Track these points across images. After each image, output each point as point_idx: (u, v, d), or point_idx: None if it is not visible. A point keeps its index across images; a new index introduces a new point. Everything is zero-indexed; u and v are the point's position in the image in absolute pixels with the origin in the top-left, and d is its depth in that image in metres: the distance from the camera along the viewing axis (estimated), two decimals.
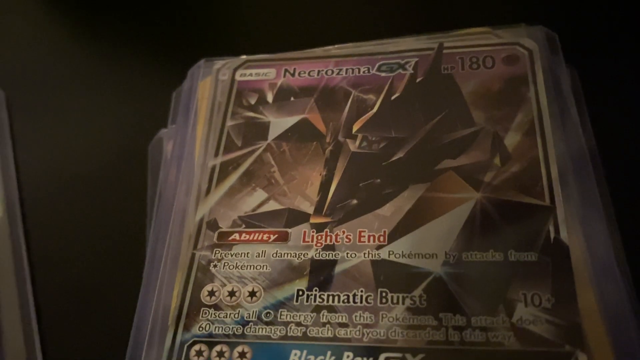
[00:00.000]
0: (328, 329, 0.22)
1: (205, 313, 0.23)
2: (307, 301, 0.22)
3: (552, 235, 0.22)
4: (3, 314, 0.27)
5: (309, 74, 0.29)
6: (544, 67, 0.27)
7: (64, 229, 0.30)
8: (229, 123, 0.28)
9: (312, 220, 0.24)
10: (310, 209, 0.25)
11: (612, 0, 0.32)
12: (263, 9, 0.35)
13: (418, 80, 0.28)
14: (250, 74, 0.30)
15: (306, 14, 0.34)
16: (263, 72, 0.30)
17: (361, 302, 0.22)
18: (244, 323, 0.22)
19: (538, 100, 0.26)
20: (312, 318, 0.22)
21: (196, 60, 0.31)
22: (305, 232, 0.24)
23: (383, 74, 0.28)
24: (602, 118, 0.26)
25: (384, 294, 0.22)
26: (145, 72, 0.35)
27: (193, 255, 0.24)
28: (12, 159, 0.34)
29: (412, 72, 0.28)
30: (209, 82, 0.30)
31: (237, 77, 0.30)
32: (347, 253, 0.23)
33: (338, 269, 0.23)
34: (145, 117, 0.33)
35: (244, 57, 0.30)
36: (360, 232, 0.24)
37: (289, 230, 0.24)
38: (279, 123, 0.28)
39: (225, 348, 0.22)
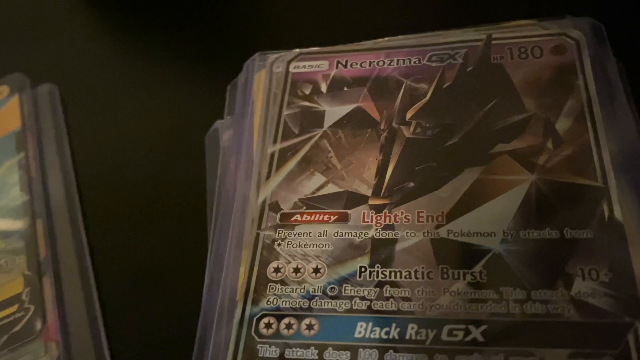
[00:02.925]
0: (392, 303, 0.23)
1: (272, 288, 0.24)
2: (369, 277, 0.23)
3: (606, 214, 0.23)
4: (67, 302, 0.28)
5: (360, 65, 0.30)
6: (591, 56, 0.28)
7: (125, 218, 0.31)
8: (285, 112, 0.29)
9: (371, 202, 0.25)
10: (368, 192, 0.26)
11: None
12: (315, 3, 0.36)
13: (469, 69, 0.29)
14: (304, 66, 0.31)
15: (356, 8, 0.36)
16: (316, 64, 0.31)
17: (422, 277, 0.23)
18: (310, 297, 0.23)
19: (587, 88, 0.27)
20: (375, 292, 0.23)
21: (249, 54, 0.33)
22: (364, 212, 0.25)
23: (434, 64, 0.29)
24: None
25: (444, 270, 0.23)
26: (200, 65, 0.36)
27: (257, 235, 0.26)
28: (69, 154, 0.35)
29: (462, 62, 0.29)
30: (264, 74, 0.31)
31: (291, 69, 0.31)
32: (407, 232, 0.24)
33: (398, 247, 0.24)
34: (200, 109, 0.34)
35: (297, 50, 0.32)
36: (418, 212, 0.25)
37: (349, 211, 0.25)
38: (334, 111, 0.29)
39: (293, 320, 0.23)
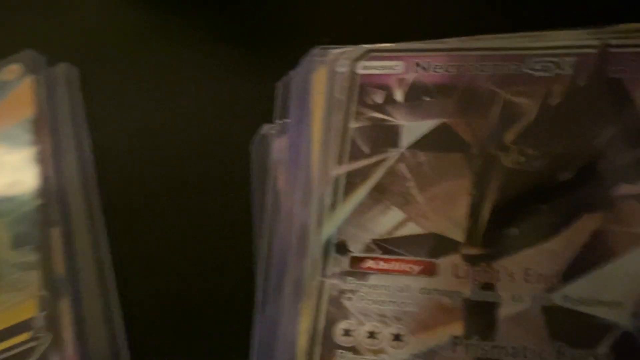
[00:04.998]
0: None
1: (341, 356, 0.19)
2: (465, 352, 0.19)
3: None
4: (89, 331, 0.25)
5: (445, 69, 0.25)
6: None
7: (152, 230, 0.27)
8: (352, 125, 0.24)
9: (464, 250, 0.21)
10: (460, 237, 0.21)
11: None
12: None
13: (580, 84, 0.23)
14: (374, 67, 0.26)
15: None
16: (389, 65, 0.26)
17: (533, 357, 0.19)
18: None
19: None
20: None
21: (304, 47, 0.27)
22: (455, 265, 0.20)
23: (536, 74, 0.24)
24: None
25: (560, 349, 0.19)
26: (246, 54, 0.31)
27: (322, 283, 0.21)
28: (89, 149, 0.30)
29: (573, 74, 0.24)
30: (323, 74, 0.26)
31: (359, 70, 0.26)
32: (512, 295, 0.20)
33: (501, 314, 0.19)
34: (244, 108, 0.29)
35: (365, 46, 0.26)
36: (526, 269, 0.20)
37: (436, 261, 0.21)
38: (413, 128, 0.24)
39: None
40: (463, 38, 0.26)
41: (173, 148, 0.29)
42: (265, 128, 0.27)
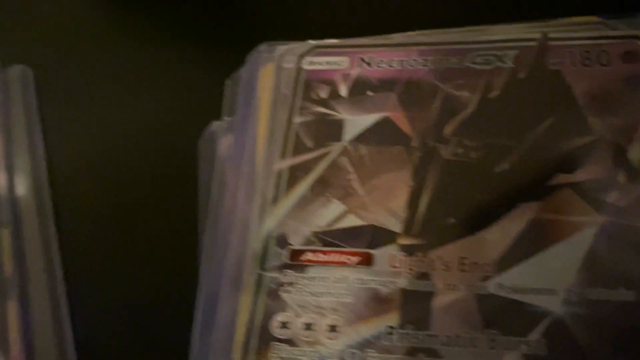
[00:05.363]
0: None
1: (277, 349, 0.19)
2: (400, 341, 0.19)
3: None
4: (36, 332, 0.24)
5: (389, 64, 0.25)
6: None
7: (103, 230, 0.27)
8: (297, 119, 0.24)
9: (401, 241, 0.21)
10: (397, 227, 0.21)
11: None
12: None
13: (519, 76, 0.24)
14: (320, 62, 0.26)
15: None
16: (334, 61, 0.26)
17: (465, 345, 0.19)
18: None
19: None
20: None
21: (253, 43, 0.27)
22: (392, 255, 0.21)
23: (477, 67, 0.24)
24: None
25: (493, 337, 0.19)
26: (196, 53, 0.30)
27: (260, 276, 0.21)
28: (42, 152, 0.30)
29: (513, 66, 0.24)
30: (271, 70, 0.26)
31: (305, 66, 0.26)
32: (447, 284, 0.20)
33: (435, 303, 0.19)
34: (194, 106, 0.29)
35: (311, 42, 0.26)
36: (461, 258, 0.20)
37: (373, 252, 0.21)
38: (356, 121, 0.24)
39: None
40: (407, 33, 0.26)
41: (124, 147, 0.29)
42: (214, 125, 0.27)
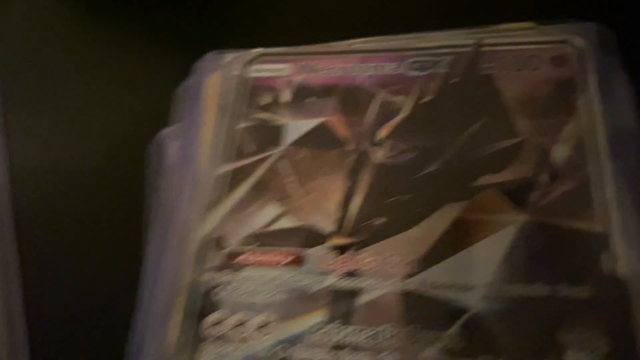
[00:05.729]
0: None
1: (210, 346, 0.20)
2: (327, 336, 0.20)
3: (607, 267, 0.19)
4: None
5: (328, 71, 0.26)
6: (597, 70, 0.24)
7: (57, 236, 0.28)
8: (240, 125, 0.25)
9: (332, 241, 0.22)
10: (330, 228, 0.22)
11: None
12: None
13: (453, 81, 0.25)
14: (265, 70, 0.27)
15: (329, 3, 0.31)
16: (279, 68, 0.27)
17: (388, 340, 0.19)
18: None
19: (590, 109, 0.23)
20: (332, 357, 0.19)
21: (204, 52, 0.28)
22: (323, 254, 0.21)
23: (413, 73, 0.25)
24: None
25: (414, 332, 0.19)
26: (147, 64, 0.31)
27: (197, 277, 0.22)
28: (4, 152, 0.31)
29: (447, 71, 0.25)
30: (218, 77, 0.27)
31: (250, 73, 0.27)
32: (372, 281, 0.20)
33: (361, 300, 0.20)
34: (146, 115, 0.29)
35: (257, 49, 0.27)
36: (387, 256, 0.21)
37: (306, 251, 0.22)
38: (296, 127, 0.25)
39: None
40: (349, 41, 0.27)
41: (79, 151, 0.30)
42: (163, 132, 0.27)
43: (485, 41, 0.25)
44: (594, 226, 0.20)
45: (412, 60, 0.25)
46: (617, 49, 0.24)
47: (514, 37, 0.25)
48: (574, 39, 0.25)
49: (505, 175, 0.22)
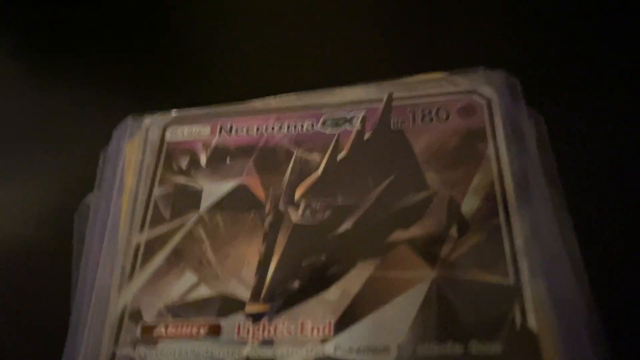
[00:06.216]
0: None
1: None
2: None
3: (518, 320, 0.20)
4: None
5: (247, 131, 0.26)
6: (504, 118, 0.24)
7: None
8: (157, 191, 0.25)
9: (248, 309, 0.21)
10: (246, 295, 0.22)
11: (582, 39, 0.29)
12: (201, 56, 0.32)
13: (365, 137, 0.25)
14: (182, 132, 0.27)
15: (246, 61, 0.31)
16: (196, 130, 0.27)
17: None
18: None
19: (498, 158, 0.23)
20: None
21: (127, 114, 0.28)
22: (240, 324, 0.21)
23: (328, 130, 0.25)
24: (574, 171, 0.24)
25: None
26: (76, 126, 0.31)
27: (115, 350, 0.21)
28: None
29: (360, 127, 0.25)
30: (137, 142, 0.27)
31: (167, 137, 0.27)
32: (288, 349, 0.20)
33: None
34: (74, 179, 0.29)
35: (174, 111, 0.27)
36: (302, 322, 0.21)
37: (222, 322, 0.21)
38: (213, 190, 0.25)
39: None
40: (265, 99, 0.27)
41: (6, 218, 0.29)
42: (88, 197, 0.27)
43: (396, 95, 0.26)
44: (504, 279, 0.20)
45: (326, 117, 0.26)
46: (523, 95, 0.25)
47: (424, 89, 0.26)
48: (482, 88, 0.25)
49: (416, 230, 0.22)
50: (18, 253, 0.28)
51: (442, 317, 0.20)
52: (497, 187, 0.23)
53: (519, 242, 0.21)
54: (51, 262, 0.27)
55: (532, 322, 0.19)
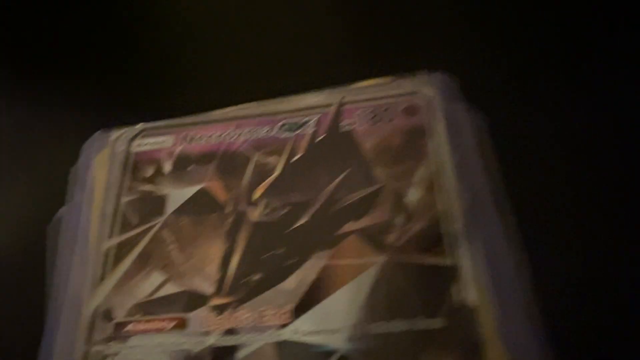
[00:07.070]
0: None
1: None
2: None
3: (457, 297, 0.21)
4: None
5: (207, 139, 0.28)
6: (444, 116, 0.26)
7: None
8: (124, 199, 0.27)
9: (213, 302, 0.23)
10: (210, 290, 0.23)
11: (525, 41, 0.32)
12: (165, 73, 0.34)
13: (319, 139, 0.27)
14: (147, 144, 0.28)
15: (206, 76, 0.33)
16: (160, 141, 0.28)
17: None
18: None
19: (438, 152, 0.25)
20: None
21: (95, 129, 0.30)
22: (205, 316, 0.23)
23: (284, 134, 0.27)
24: (513, 166, 0.26)
25: None
26: (47, 143, 0.33)
27: (89, 349, 0.23)
28: None
29: (313, 130, 0.27)
30: (106, 155, 0.28)
31: (134, 148, 0.28)
32: (250, 336, 0.22)
33: (241, 354, 0.22)
34: (46, 194, 0.31)
35: (140, 125, 0.29)
36: (262, 311, 0.22)
37: (187, 315, 0.23)
38: (177, 195, 0.26)
39: None
40: (225, 109, 0.29)
41: None
42: (61, 210, 0.29)
43: (346, 99, 0.28)
44: (444, 260, 0.22)
45: (282, 123, 0.28)
46: (461, 93, 0.27)
47: (372, 92, 0.28)
48: (424, 88, 0.27)
49: (366, 221, 0.24)
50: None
51: (390, 298, 0.22)
52: (437, 178, 0.24)
53: (457, 226, 0.23)
54: (25, 274, 0.28)
55: (470, 298, 0.21)
